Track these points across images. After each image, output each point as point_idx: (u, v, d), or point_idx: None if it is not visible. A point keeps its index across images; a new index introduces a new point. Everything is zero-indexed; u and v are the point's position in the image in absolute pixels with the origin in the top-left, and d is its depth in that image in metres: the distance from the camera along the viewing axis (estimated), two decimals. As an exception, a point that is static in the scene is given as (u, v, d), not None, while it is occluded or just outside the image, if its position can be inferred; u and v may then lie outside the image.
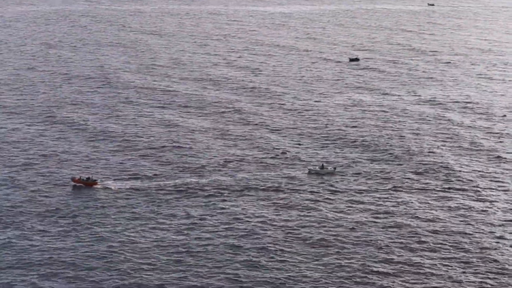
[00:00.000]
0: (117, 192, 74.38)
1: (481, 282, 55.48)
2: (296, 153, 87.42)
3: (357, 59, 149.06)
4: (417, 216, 67.97)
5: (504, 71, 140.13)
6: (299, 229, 65.07)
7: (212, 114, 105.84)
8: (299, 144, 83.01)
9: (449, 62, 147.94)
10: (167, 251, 60.58)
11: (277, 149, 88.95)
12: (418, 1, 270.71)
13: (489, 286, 54.84)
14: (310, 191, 74.58)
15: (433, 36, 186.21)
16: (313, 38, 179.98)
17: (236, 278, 55.96)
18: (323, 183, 77.03)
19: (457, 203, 71.74)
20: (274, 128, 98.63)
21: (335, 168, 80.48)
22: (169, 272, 56.98)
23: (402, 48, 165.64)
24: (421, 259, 59.05)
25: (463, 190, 75.47)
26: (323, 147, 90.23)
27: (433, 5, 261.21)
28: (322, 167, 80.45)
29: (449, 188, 75.94)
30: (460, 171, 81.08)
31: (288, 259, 59.04)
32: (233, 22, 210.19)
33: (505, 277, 56.15)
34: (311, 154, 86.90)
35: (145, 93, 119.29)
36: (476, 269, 57.41)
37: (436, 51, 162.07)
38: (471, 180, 77.98)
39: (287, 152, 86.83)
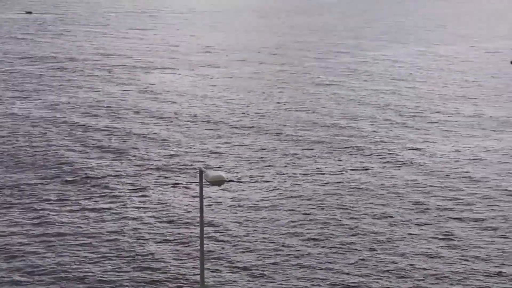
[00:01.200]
0: None
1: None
2: None
3: None
4: (61, 223, 60.41)
5: (111, 75, 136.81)
6: None
7: None
8: None
9: (64, 68, 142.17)
10: None
11: None
12: (15, 9, 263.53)
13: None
14: None
15: (42, 42, 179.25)
16: None
17: None
18: None
19: (106, 207, 65.40)
20: None
21: None
22: None
23: (13, 56, 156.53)
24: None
25: (107, 195, 69.35)
26: None
27: (31, 12, 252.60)
28: None
29: (92, 194, 69.32)
30: (100, 176, 74.83)
31: None
32: None
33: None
34: None
35: None
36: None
37: (49, 57, 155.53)
38: (102, 179, 72.09)
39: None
